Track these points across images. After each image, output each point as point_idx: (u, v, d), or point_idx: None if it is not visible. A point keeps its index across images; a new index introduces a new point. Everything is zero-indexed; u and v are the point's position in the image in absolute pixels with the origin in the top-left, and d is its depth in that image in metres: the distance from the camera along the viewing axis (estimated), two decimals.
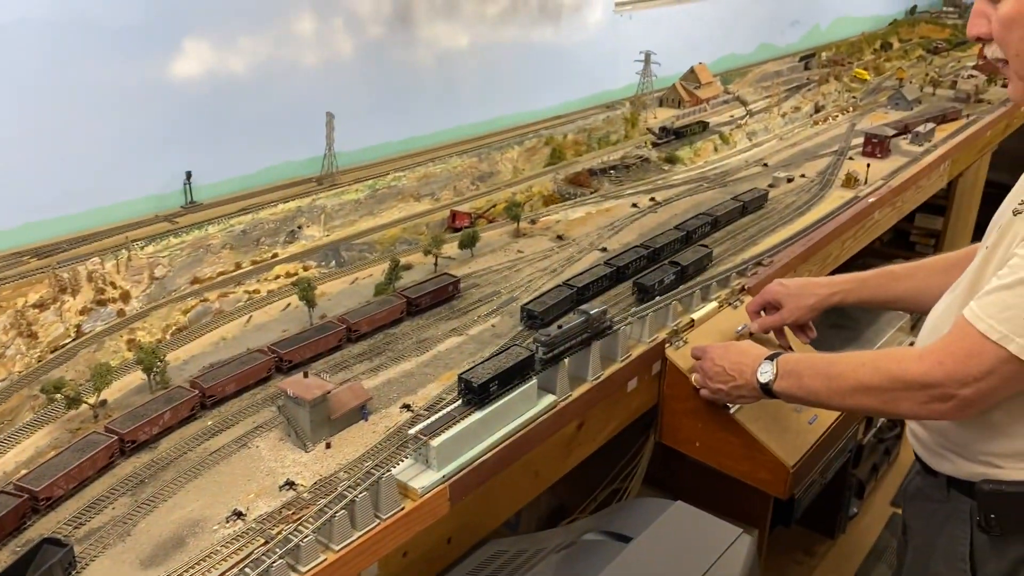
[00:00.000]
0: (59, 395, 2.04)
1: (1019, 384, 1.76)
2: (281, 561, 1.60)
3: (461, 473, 1.93)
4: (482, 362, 2.07)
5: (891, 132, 4.44)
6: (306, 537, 1.65)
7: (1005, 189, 1.97)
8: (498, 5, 3.97)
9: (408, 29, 3.59)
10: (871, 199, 3.76)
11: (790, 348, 2.63)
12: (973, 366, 1.75)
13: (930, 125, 4.71)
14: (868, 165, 4.05)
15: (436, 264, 2.95)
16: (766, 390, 2.18)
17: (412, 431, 1.94)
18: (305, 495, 1.81)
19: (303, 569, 1.65)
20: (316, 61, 3.29)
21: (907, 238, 6.16)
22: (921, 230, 6.04)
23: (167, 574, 1.62)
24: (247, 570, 1.58)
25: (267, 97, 3.16)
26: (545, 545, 2.00)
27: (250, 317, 2.62)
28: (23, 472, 1.82)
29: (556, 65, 4.40)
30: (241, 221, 2.92)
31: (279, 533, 1.68)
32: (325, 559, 1.68)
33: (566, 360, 2.23)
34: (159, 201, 2.94)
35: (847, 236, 3.61)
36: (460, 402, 2.03)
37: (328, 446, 1.99)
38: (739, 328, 2.67)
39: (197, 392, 2.10)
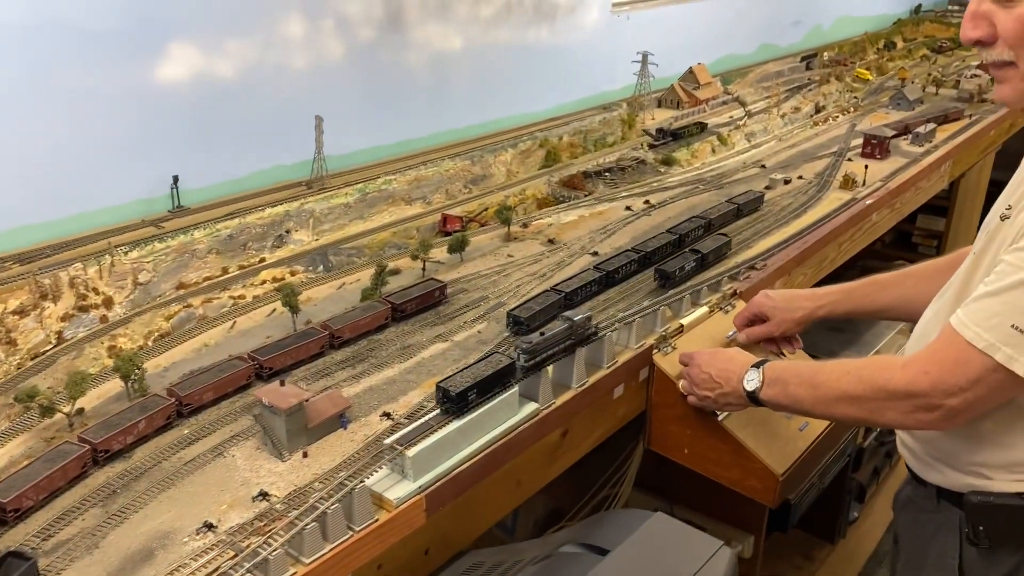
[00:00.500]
0: (33, 404, 2.01)
1: (1006, 394, 1.72)
2: (249, 575, 1.58)
3: (438, 483, 1.90)
4: (461, 370, 2.04)
5: (890, 133, 4.39)
6: (275, 550, 1.62)
7: None
8: (492, 6, 3.93)
9: (400, 31, 3.55)
10: (869, 201, 3.71)
11: (781, 354, 2.58)
12: (959, 375, 1.71)
13: (931, 126, 4.65)
14: (866, 166, 4.00)
15: (424, 269, 2.92)
16: (752, 398, 2.14)
17: (388, 440, 1.91)
18: (278, 506, 1.78)
19: None
20: (306, 64, 3.26)
21: (909, 239, 6.10)
22: (923, 231, 5.98)
23: None
24: None
25: (256, 100, 3.13)
26: (523, 557, 1.96)
27: (234, 323, 2.60)
28: None
29: (552, 67, 4.35)
30: (228, 225, 2.89)
31: (249, 546, 1.65)
32: (295, 572, 1.65)
33: (550, 367, 2.20)
34: (146, 206, 2.91)
35: (844, 239, 3.56)
36: (438, 411, 2.00)
37: (305, 455, 1.97)
38: (728, 334, 2.63)
39: (173, 400, 2.07)
